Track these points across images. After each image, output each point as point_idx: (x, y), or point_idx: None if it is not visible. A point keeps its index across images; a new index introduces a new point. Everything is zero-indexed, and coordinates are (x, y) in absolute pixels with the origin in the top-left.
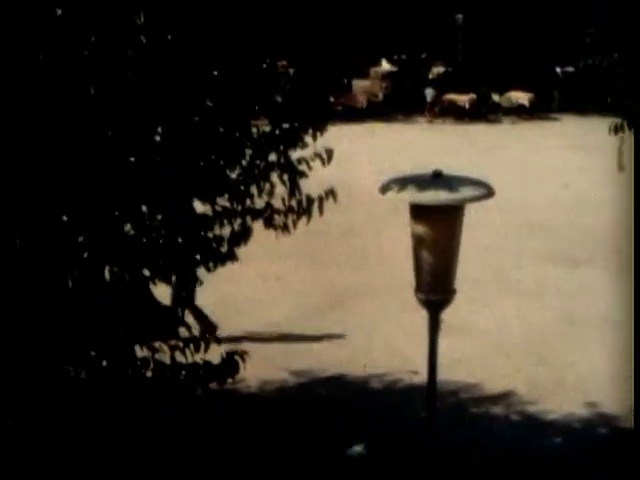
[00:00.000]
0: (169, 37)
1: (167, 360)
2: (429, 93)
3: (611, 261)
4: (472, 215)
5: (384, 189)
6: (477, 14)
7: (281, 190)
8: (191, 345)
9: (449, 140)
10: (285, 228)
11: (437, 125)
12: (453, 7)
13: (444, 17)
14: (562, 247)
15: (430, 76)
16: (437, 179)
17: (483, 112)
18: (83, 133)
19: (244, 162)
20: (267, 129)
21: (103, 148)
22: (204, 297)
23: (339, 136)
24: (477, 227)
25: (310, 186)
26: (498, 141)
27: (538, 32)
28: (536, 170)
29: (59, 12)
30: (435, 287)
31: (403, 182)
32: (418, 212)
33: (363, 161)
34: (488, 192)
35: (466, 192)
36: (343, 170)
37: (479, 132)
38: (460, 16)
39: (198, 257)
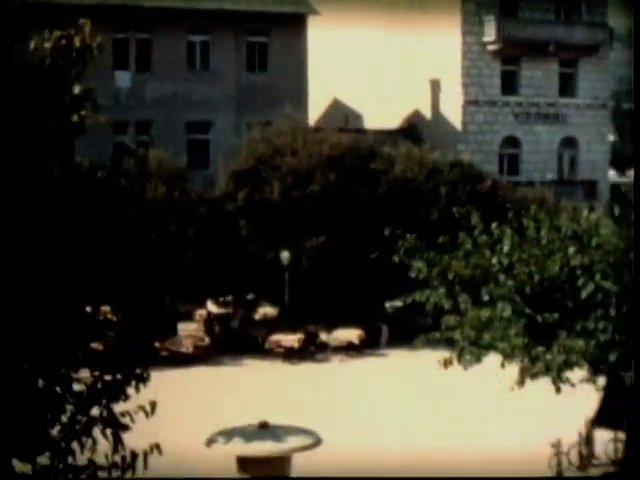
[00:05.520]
0: None
1: None
2: None
3: None
4: None
5: (210, 442)
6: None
7: (104, 445)
8: None
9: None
10: None
11: (266, 366)
12: (277, 247)
13: (271, 256)
14: None
15: (257, 317)
16: (264, 430)
17: (312, 351)
18: None
19: (64, 418)
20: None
21: None
22: None
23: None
24: None
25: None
26: (325, 382)
27: (367, 268)
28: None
29: None
30: None
31: (229, 434)
32: (245, 464)
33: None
34: (315, 441)
35: (293, 442)
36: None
37: (306, 372)
38: (286, 254)
39: None
